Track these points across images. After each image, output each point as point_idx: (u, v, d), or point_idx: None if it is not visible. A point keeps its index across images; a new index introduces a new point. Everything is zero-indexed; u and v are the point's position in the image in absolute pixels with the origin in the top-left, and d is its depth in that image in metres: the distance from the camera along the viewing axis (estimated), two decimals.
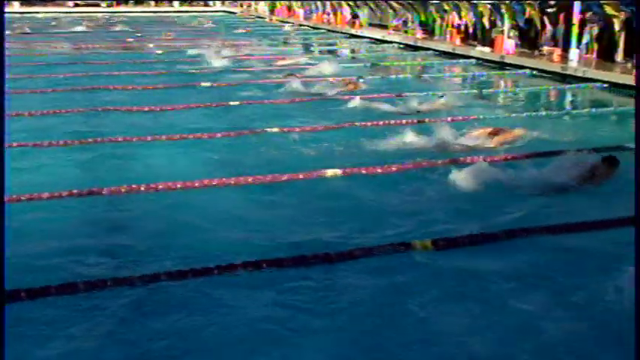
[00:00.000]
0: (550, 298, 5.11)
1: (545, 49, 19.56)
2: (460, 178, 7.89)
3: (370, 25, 31.44)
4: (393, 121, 11.31)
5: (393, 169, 8.43)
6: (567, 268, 5.64)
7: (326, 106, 13.01)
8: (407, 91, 14.50)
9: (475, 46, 21.88)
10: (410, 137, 9.86)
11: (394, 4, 29.20)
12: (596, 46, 18.21)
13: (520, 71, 18.12)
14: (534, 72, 17.74)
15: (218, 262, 5.48)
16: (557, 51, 18.59)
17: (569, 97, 14.17)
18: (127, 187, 7.50)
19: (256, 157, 9.18)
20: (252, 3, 49.41)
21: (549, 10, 19.99)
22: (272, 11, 44.36)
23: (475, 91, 14.98)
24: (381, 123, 11.22)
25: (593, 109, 12.73)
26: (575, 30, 17.87)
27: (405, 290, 5.20)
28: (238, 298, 5.02)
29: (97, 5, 50.37)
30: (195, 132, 10.40)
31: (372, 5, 31.97)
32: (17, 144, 9.10)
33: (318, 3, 36.86)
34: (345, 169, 8.25)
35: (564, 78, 16.68)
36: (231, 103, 13.17)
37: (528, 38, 21.02)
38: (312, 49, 24.66)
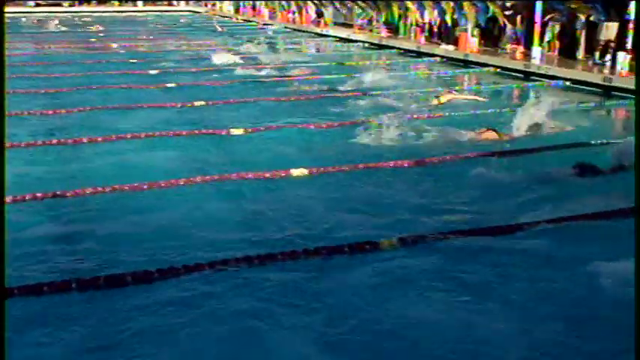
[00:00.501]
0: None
1: (508, 47, 19.79)
2: (426, 176, 8.01)
3: (335, 24, 31.48)
4: (359, 120, 11.36)
5: (360, 166, 8.48)
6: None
7: (293, 106, 13.03)
8: (373, 90, 14.60)
9: (439, 44, 22.05)
10: (375, 136, 9.93)
11: (359, 2, 29.27)
12: (557, 44, 18.46)
13: (484, 69, 18.32)
14: (498, 70, 17.96)
15: (184, 261, 5.46)
16: (520, 48, 18.82)
17: (532, 95, 14.33)
18: (92, 189, 7.42)
19: (222, 156, 9.15)
20: (217, 2, 49.12)
21: (507, 12, 20.24)
22: (237, 11, 44.16)
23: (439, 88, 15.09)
24: (347, 123, 11.27)
25: (556, 107, 12.89)
26: (537, 28, 18.12)
27: (374, 287, 5.24)
28: (206, 297, 5.00)
29: (59, 5, 49.59)
30: (160, 131, 10.34)
31: (337, 4, 32.00)
32: None
33: (283, 2, 36.78)
34: (311, 168, 8.26)
35: (527, 75, 16.90)
36: (196, 103, 13.10)
37: (491, 36, 21.24)
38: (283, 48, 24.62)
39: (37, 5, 47.29)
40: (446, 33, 22.67)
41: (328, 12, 32.10)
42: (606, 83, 14.72)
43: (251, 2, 42.02)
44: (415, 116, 11.57)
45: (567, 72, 16.07)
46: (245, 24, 37.63)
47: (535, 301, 5.06)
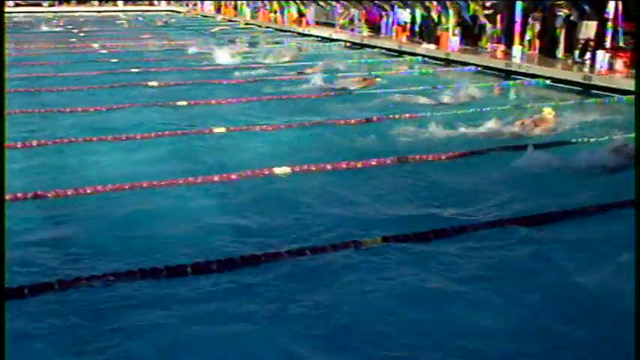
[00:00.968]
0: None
1: (489, 45, 19.89)
2: (412, 173, 8.07)
3: (317, 23, 31.47)
4: (342, 121, 11.39)
5: (343, 166, 8.49)
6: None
7: (277, 105, 13.03)
8: (356, 90, 14.65)
9: (421, 43, 22.11)
10: (363, 135, 9.97)
11: (342, 1, 29.31)
12: (537, 43, 18.58)
13: (466, 68, 18.39)
14: (479, 69, 18.04)
15: (167, 262, 5.45)
16: (501, 47, 18.92)
17: (513, 93, 14.45)
18: (72, 190, 7.37)
19: (204, 156, 9.13)
20: (198, 2, 48.93)
21: (486, 12, 20.34)
22: (218, 10, 44.02)
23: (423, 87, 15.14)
24: (330, 122, 11.30)
25: (537, 105, 13.00)
26: (517, 27, 18.23)
27: (359, 286, 5.26)
28: (188, 299, 5.00)
29: (39, 5, 49.15)
30: (142, 132, 10.29)
31: (321, 3, 31.99)
32: None
33: (266, 2, 36.75)
34: (294, 167, 8.27)
35: (508, 74, 16.99)
36: (179, 102, 13.05)
37: (472, 35, 21.33)
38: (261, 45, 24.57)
39: (17, 5, 46.81)
40: (427, 32, 22.73)
41: (310, 12, 32.07)
42: (586, 81, 14.85)
43: (231, 2, 41.92)
44: (398, 116, 11.60)
45: (547, 70, 16.20)
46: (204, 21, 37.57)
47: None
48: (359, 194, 7.50)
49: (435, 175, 8.27)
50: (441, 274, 5.47)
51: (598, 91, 14.30)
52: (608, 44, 15.78)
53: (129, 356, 4.31)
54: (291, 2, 33.42)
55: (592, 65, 15.73)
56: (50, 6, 49.49)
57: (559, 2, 17.83)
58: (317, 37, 28.00)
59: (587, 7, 16.77)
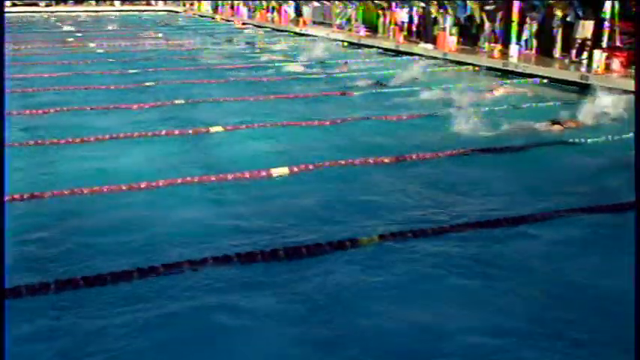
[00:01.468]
0: None
1: (486, 45, 19.90)
2: (407, 173, 8.06)
3: (314, 23, 31.46)
4: (339, 120, 11.40)
5: (342, 162, 8.49)
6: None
7: (273, 105, 13.03)
8: (353, 90, 14.66)
9: (418, 43, 22.12)
10: (359, 133, 9.99)
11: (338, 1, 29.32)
12: (535, 43, 18.59)
13: (463, 67, 18.39)
14: (476, 68, 18.04)
15: (163, 260, 5.45)
16: (498, 47, 18.93)
17: (510, 93, 14.43)
18: (69, 190, 7.37)
19: (202, 156, 9.13)
20: (196, 2, 48.91)
21: (488, 7, 20.30)
22: (215, 10, 44.00)
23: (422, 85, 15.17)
24: (327, 122, 11.30)
25: (534, 104, 13.03)
26: (514, 27, 18.24)
27: (355, 285, 5.26)
28: (185, 297, 4.99)
29: (36, 5, 49.09)
30: (139, 131, 10.28)
31: (317, 3, 31.98)
32: None
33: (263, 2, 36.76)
34: (292, 167, 8.27)
35: (505, 74, 16.99)
36: (176, 101, 13.04)
37: (469, 35, 21.34)
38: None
39: (14, 5, 46.74)
40: (424, 32, 22.74)
41: (307, 11, 32.06)
42: (583, 81, 14.86)
43: (229, 2, 41.92)
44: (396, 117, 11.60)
45: (545, 70, 16.21)
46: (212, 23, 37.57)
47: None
48: (358, 192, 7.50)
49: (435, 174, 8.27)
50: (440, 273, 5.48)
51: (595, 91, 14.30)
52: (604, 44, 15.78)
53: (127, 356, 4.31)
54: (289, 2, 33.40)
55: (589, 65, 15.73)
56: (47, 6, 49.42)
57: (556, 3, 17.85)
58: (314, 36, 27.98)
59: (580, 13, 16.79)
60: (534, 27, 18.61)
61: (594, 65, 15.26)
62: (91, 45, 24.67)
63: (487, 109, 12.16)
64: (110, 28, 34.37)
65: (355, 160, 8.65)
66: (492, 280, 5.36)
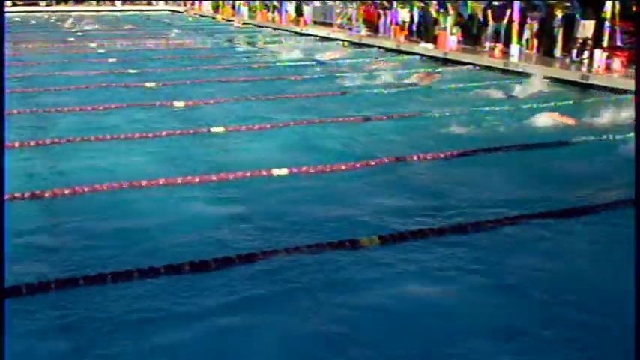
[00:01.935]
0: None
1: (487, 45, 19.89)
2: (408, 175, 8.07)
3: (315, 23, 31.46)
4: (340, 119, 11.40)
5: (342, 167, 8.49)
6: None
7: (272, 105, 13.02)
8: (352, 89, 14.66)
9: (419, 43, 22.12)
10: (356, 134, 9.98)
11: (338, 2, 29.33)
12: (535, 42, 18.58)
13: (463, 67, 18.39)
14: (476, 67, 18.04)
15: (163, 261, 5.45)
16: (499, 47, 18.92)
17: (511, 92, 14.42)
18: (70, 190, 7.37)
19: (202, 156, 9.13)
20: (196, 2, 48.88)
21: (496, 2, 20.16)
22: (216, 10, 43.98)
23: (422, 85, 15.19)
24: (329, 120, 11.31)
25: (535, 104, 13.03)
26: (515, 26, 18.24)
27: (354, 285, 5.26)
28: (186, 298, 4.99)
29: (36, 4, 49.08)
30: (140, 132, 10.29)
31: (317, 3, 31.98)
32: None
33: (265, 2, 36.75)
34: (291, 168, 8.26)
35: (506, 73, 16.99)
36: (176, 102, 13.04)
37: (471, 34, 21.34)
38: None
39: (14, 5, 46.74)
40: (425, 31, 22.73)
41: (308, 11, 32.05)
42: (584, 81, 14.87)
43: (230, 2, 41.92)
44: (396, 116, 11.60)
45: (545, 70, 16.20)
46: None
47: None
48: (356, 194, 7.51)
49: (434, 174, 8.28)
50: (439, 273, 5.48)
51: (596, 90, 14.31)
52: (605, 43, 15.78)
53: (126, 356, 4.31)
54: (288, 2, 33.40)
55: (590, 64, 15.73)
56: (48, 5, 49.41)
57: (556, 3, 17.84)
58: (314, 36, 27.99)
59: (577, 15, 16.78)
60: (535, 26, 18.60)
61: (595, 65, 15.26)
62: (92, 45, 24.67)
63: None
64: (108, 27, 34.35)
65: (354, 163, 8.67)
66: (495, 280, 5.36)
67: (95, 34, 29.72)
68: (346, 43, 25.09)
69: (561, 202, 7.08)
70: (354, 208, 7.02)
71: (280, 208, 7.03)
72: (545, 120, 11.21)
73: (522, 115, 11.88)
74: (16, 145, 9.49)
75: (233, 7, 41.13)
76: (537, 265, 5.65)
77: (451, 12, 21.22)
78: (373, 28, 26.38)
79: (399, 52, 21.92)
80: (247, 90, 14.67)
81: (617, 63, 15.15)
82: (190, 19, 42.89)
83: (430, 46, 21.14)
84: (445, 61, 19.39)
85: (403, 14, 24.16)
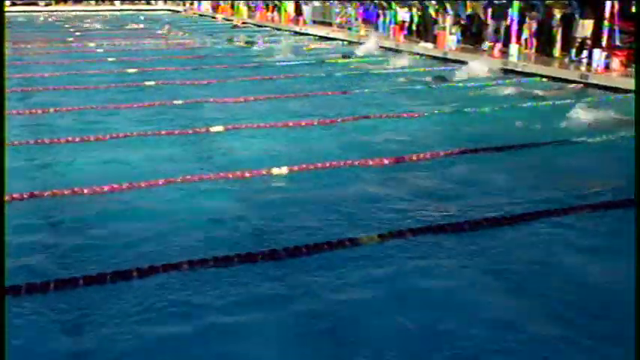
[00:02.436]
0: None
1: (487, 44, 19.89)
2: (408, 174, 8.08)
3: (314, 22, 31.45)
4: (340, 119, 11.41)
5: (341, 164, 8.50)
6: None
7: (271, 104, 13.03)
8: (353, 89, 14.67)
9: (418, 42, 22.11)
10: (352, 134, 10.00)
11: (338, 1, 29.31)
12: (534, 42, 18.58)
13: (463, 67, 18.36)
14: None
15: (163, 260, 5.45)
16: (498, 46, 18.92)
17: (510, 91, 14.44)
18: (70, 190, 7.37)
19: (201, 155, 9.13)
20: (195, 2, 48.85)
21: (496, 1, 20.10)
22: (215, 10, 43.96)
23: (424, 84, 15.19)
24: (328, 121, 11.32)
25: (534, 103, 13.04)
26: (514, 26, 18.23)
27: (353, 284, 5.26)
28: (185, 297, 5.00)
29: (35, 4, 49.07)
30: (139, 131, 10.29)
31: (317, 3, 31.97)
32: None
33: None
34: (291, 167, 8.27)
35: (505, 73, 16.99)
36: (175, 102, 13.04)
37: (470, 34, 21.34)
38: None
39: (13, 4, 46.72)
40: (424, 31, 22.72)
41: (307, 11, 32.04)
42: (583, 80, 14.87)
43: (229, 1, 41.91)
44: (385, 115, 11.61)
45: (544, 69, 16.21)
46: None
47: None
48: (356, 192, 7.51)
49: (433, 173, 8.28)
50: (437, 272, 5.48)
51: (595, 90, 14.32)
52: (604, 43, 15.78)
53: (127, 356, 4.32)
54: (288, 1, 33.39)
55: (589, 64, 15.73)
56: (47, 5, 49.40)
57: (555, 2, 17.84)
58: (314, 35, 27.98)
59: (576, 15, 16.79)
60: (534, 26, 18.60)
61: (594, 64, 15.26)
62: (91, 44, 24.67)
63: None
64: (108, 27, 34.33)
65: (355, 160, 8.68)
66: (498, 278, 5.37)
67: (95, 33, 29.70)
68: (346, 42, 25.05)
69: (560, 201, 7.09)
70: (354, 206, 7.03)
71: (279, 206, 7.03)
72: (543, 119, 11.22)
73: (521, 114, 11.88)
74: (15, 144, 9.49)
75: (232, 7, 41.12)
76: (537, 264, 5.66)
77: (450, 12, 21.21)
78: (372, 27, 26.36)
79: (398, 51, 21.88)
80: (246, 90, 14.66)
81: (615, 62, 15.14)
82: (189, 18, 42.89)
83: (429, 45, 21.14)
84: (445, 61, 19.39)
85: (402, 13, 24.14)
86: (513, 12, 18.32)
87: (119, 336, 4.49)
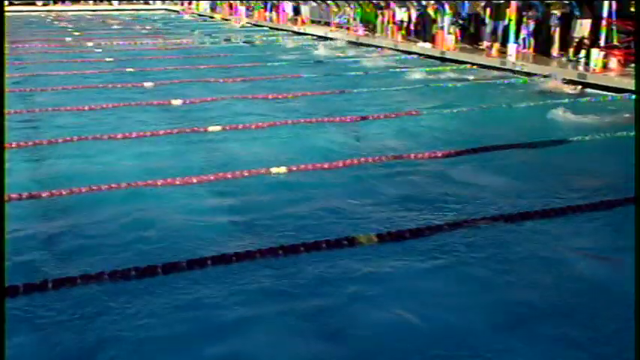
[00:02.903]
0: None
1: (485, 44, 19.90)
2: (408, 173, 8.09)
3: (312, 22, 31.44)
4: (338, 118, 11.42)
5: (340, 165, 8.50)
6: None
7: (270, 104, 13.03)
8: (350, 88, 14.67)
9: (417, 42, 22.12)
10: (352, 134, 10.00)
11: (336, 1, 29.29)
12: (532, 41, 18.58)
13: (461, 66, 18.39)
14: (474, 66, 18.05)
15: (161, 260, 5.46)
16: (496, 46, 18.92)
17: (508, 91, 14.47)
18: (67, 190, 7.36)
19: (200, 155, 9.13)
20: (194, 1, 48.81)
21: (495, 1, 20.09)
22: (213, 9, 43.94)
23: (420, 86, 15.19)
24: (326, 119, 11.33)
25: (532, 103, 13.05)
26: (512, 25, 18.24)
27: (352, 283, 5.27)
28: (184, 295, 5.00)
29: (33, 4, 49.01)
30: (137, 131, 10.28)
31: (314, 3, 31.96)
32: None
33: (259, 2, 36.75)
34: (290, 166, 8.27)
35: (503, 72, 16.99)
36: (173, 102, 13.04)
37: (469, 34, 21.34)
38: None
39: (10, 4, 46.66)
40: (423, 31, 22.72)
41: (306, 10, 32.02)
42: (580, 80, 14.88)
43: (227, 1, 41.87)
44: (394, 115, 11.62)
45: (542, 68, 16.22)
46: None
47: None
48: (353, 192, 7.52)
49: (432, 172, 8.29)
50: (436, 272, 5.49)
51: (592, 90, 14.33)
52: (602, 42, 15.79)
53: (123, 355, 4.32)
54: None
55: (586, 63, 15.74)
56: (44, 5, 49.34)
57: (553, 2, 17.84)
58: (312, 35, 27.98)
59: (577, 13, 16.78)
60: (531, 26, 18.60)
61: (592, 64, 15.27)
62: (89, 44, 24.65)
63: None
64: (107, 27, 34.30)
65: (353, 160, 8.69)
66: (498, 278, 5.38)
67: (93, 33, 29.69)
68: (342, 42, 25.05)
69: (558, 200, 7.10)
70: (352, 205, 7.03)
71: (279, 206, 7.03)
72: (541, 119, 11.23)
73: (519, 113, 11.90)
74: (13, 145, 9.48)
75: (231, 7, 41.09)
76: (537, 262, 5.66)
77: (449, 11, 21.20)
78: (371, 27, 26.37)
79: (396, 51, 21.89)
80: (246, 89, 14.66)
81: (613, 62, 15.15)
82: (187, 17, 42.87)
83: (427, 45, 21.14)
84: (443, 61, 19.40)
85: (401, 13, 24.13)
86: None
87: (119, 336, 4.49)
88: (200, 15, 44.02)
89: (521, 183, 7.83)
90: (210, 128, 10.57)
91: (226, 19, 38.54)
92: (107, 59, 20.23)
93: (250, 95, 13.84)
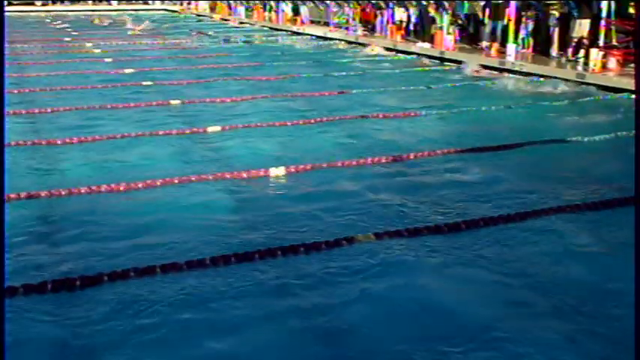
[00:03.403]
0: None
1: (484, 43, 19.90)
2: (408, 173, 8.09)
3: (311, 22, 31.46)
4: (338, 117, 11.42)
5: (338, 164, 8.50)
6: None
7: (269, 104, 13.03)
8: (351, 88, 14.68)
9: (416, 42, 22.12)
10: (353, 133, 9.99)
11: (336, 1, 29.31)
12: (531, 41, 18.59)
13: (462, 66, 18.37)
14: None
15: (162, 261, 5.45)
16: (495, 45, 18.93)
17: (506, 91, 14.47)
18: (67, 190, 7.36)
19: (199, 155, 9.13)
20: (192, 1, 48.82)
21: (494, 1, 20.09)
22: (212, 9, 43.95)
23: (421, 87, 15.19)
24: (324, 119, 11.32)
25: (530, 102, 13.06)
26: (511, 25, 18.25)
27: (352, 283, 5.26)
28: (184, 295, 5.00)
29: (32, 4, 49.00)
30: (136, 131, 10.28)
31: (312, 4, 31.98)
32: None
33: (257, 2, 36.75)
34: (288, 167, 8.26)
35: (502, 72, 17.00)
36: (173, 101, 13.04)
37: (468, 34, 21.34)
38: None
39: (9, 4, 46.62)
40: (422, 31, 22.73)
41: (305, 10, 32.03)
42: (579, 79, 14.88)
43: (226, 1, 41.89)
44: (393, 115, 11.61)
45: (541, 68, 16.22)
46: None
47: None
48: (353, 191, 7.52)
49: (431, 172, 8.29)
50: (436, 271, 5.49)
51: (591, 89, 14.34)
52: (601, 42, 15.79)
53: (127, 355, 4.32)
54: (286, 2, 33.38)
55: (586, 63, 15.74)
56: (43, 5, 49.33)
57: (552, 2, 17.85)
58: (311, 35, 27.99)
59: (575, 13, 16.78)
60: (530, 25, 18.60)
61: (591, 64, 15.28)
62: (88, 45, 24.65)
63: None
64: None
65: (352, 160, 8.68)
66: (497, 278, 5.38)
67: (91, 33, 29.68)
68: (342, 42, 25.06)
69: (557, 200, 7.10)
70: (351, 205, 7.03)
71: (278, 206, 7.03)
72: (541, 119, 11.23)
73: (518, 113, 11.90)
74: (12, 144, 9.47)
75: (230, 7, 41.10)
76: (537, 261, 5.66)
77: (448, 11, 21.21)
78: (370, 27, 26.38)
79: (395, 51, 21.90)
80: (245, 89, 14.66)
81: (613, 62, 15.16)
82: (185, 16, 42.89)
83: (427, 45, 21.14)
84: (442, 60, 19.40)
85: (400, 13, 24.14)
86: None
87: (119, 336, 4.49)
88: (199, 15, 44.03)
89: (521, 183, 7.82)
90: (210, 128, 10.55)
91: (226, 20, 38.55)
92: (105, 59, 20.21)
93: (250, 95, 13.83)
